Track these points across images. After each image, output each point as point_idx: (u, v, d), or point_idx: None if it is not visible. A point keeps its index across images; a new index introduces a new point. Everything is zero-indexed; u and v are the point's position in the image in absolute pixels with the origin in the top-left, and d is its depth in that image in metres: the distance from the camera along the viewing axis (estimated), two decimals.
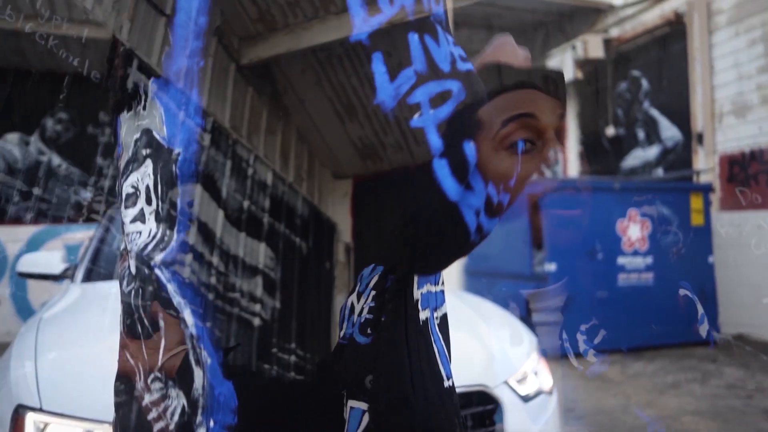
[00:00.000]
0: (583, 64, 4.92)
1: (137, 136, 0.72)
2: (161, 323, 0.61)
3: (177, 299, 0.62)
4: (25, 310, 4.83)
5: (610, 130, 5.10)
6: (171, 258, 0.64)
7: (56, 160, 5.82)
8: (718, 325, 4.04)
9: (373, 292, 0.63)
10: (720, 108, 4.92)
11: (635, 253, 3.96)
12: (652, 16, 5.32)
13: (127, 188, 0.69)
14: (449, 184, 0.52)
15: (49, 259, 2.67)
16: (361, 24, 0.58)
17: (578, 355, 0.83)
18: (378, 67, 0.54)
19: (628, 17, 5.36)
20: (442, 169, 0.52)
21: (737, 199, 4.57)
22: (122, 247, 0.69)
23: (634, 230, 3.96)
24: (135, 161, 0.70)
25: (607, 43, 5.09)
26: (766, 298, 3.51)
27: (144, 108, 0.71)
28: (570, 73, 4.58)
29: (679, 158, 5.02)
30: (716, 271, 4.05)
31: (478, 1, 3.07)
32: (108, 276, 2.32)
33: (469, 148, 0.54)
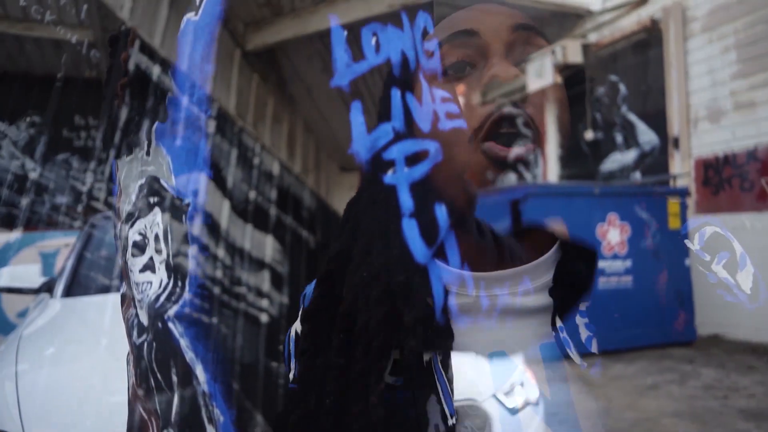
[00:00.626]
0: (562, 68, 4.96)
1: (141, 182, 0.68)
2: (174, 378, 0.58)
3: (189, 354, 0.59)
4: None
5: (589, 134, 5.17)
6: (184, 311, 0.61)
7: (29, 164, 5.66)
8: (695, 326, 4.11)
9: None
10: (695, 113, 5.02)
11: (615, 257, 4.02)
12: (629, 22, 5.40)
13: (133, 235, 0.66)
14: (417, 246, 0.47)
15: (27, 273, 2.59)
16: (343, 69, 0.54)
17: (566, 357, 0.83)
18: (356, 116, 0.51)
19: (606, 23, 5.44)
20: (411, 230, 0.47)
21: (713, 202, 4.66)
22: (123, 289, 0.65)
23: (613, 234, 4.02)
24: (141, 208, 0.67)
25: (586, 48, 5.15)
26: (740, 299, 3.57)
27: (147, 153, 0.68)
28: (550, 78, 4.60)
29: (656, 162, 5.11)
30: (692, 274, 4.12)
31: (459, 5, 3.04)
32: (88, 290, 2.26)
33: (441, 211, 0.50)
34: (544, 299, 0.57)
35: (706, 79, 4.98)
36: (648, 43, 5.29)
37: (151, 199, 0.66)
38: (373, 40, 0.54)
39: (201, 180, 0.73)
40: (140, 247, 0.63)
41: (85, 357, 1.69)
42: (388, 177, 0.48)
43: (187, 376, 0.58)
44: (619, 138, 5.12)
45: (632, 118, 5.11)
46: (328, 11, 2.95)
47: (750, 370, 3.50)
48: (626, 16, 5.34)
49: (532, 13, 3.43)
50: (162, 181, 0.65)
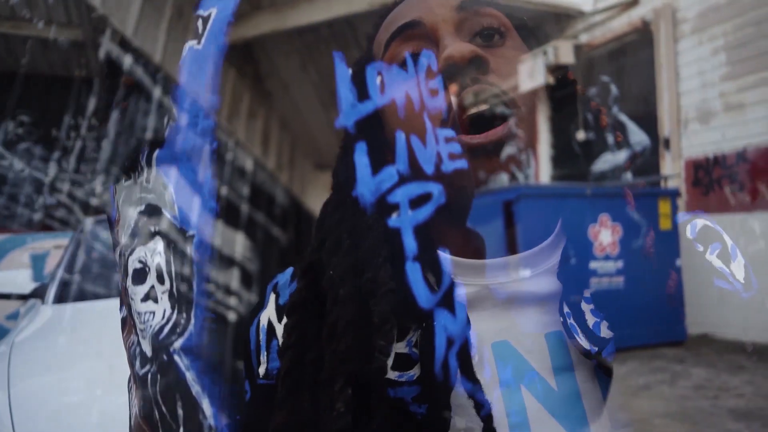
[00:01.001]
0: (554, 69, 4.98)
1: (141, 208, 0.67)
2: (180, 412, 0.57)
3: (196, 388, 0.59)
4: None
5: (581, 135, 5.17)
6: (190, 344, 0.61)
7: (17, 165, 5.58)
8: (685, 326, 4.14)
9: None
10: (685, 114, 5.04)
11: (607, 257, 4.03)
12: (620, 23, 5.43)
13: (133, 262, 0.65)
14: (420, 290, 0.46)
15: (17, 278, 2.56)
16: (348, 109, 0.51)
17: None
18: (360, 158, 0.49)
19: (598, 24, 5.46)
20: (414, 273, 0.46)
21: (703, 202, 4.69)
22: (123, 314, 0.65)
23: (605, 235, 4.02)
24: (141, 235, 0.66)
25: (578, 49, 5.16)
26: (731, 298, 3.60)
27: (147, 180, 0.66)
28: (542, 78, 4.60)
29: (647, 162, 5.13)
30: (683, 274, 4.14)
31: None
32: (81, 297, 2.23)
33: (445, 256, 0.51)
34: (551, 284, 0.57)
35: (696, 81, 5.00)
36: (639, 44, 5.31)
37: (152, 228, 0.65)
38: (378, 80, 0.51)
39: (207, 213, 0.70)
40: (141, 276, 0.63)
41: (78, 365, 1.67)
42: (392, 220, 0.47)
43: (194, 410, 0.58)
44: (610, 139, 5.14)
45: (623, 118, 5.14)
46: (308, 7, 2.91)
47: (740, 369, 3.52)
48: (617, 17, 5.36)
49: (523, 13, 3.41)
50: (164, 211, 0.64)
